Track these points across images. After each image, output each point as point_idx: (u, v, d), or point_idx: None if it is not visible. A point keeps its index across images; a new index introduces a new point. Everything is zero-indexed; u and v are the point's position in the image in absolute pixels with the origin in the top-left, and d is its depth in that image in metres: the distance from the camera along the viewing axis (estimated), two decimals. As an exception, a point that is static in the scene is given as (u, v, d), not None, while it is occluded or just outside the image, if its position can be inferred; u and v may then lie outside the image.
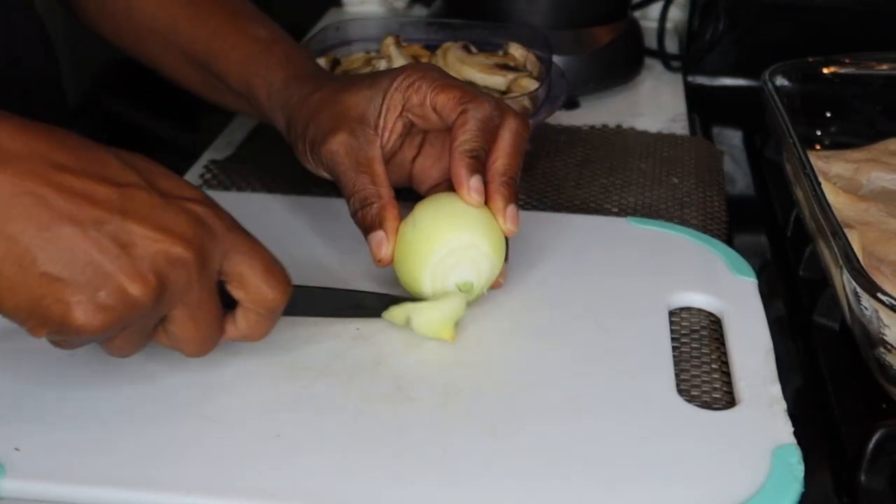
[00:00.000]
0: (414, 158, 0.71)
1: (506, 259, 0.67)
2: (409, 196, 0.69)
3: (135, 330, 0.53)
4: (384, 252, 0.64)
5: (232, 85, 0.76)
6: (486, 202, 0.65)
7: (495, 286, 0.67)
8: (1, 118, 0.50)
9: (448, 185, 0.66)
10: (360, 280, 0.69)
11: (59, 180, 0.49)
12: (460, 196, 0.64)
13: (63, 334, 0.50)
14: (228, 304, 0.56)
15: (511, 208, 0.65)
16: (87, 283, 0.49)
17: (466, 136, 0.64)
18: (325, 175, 0.68)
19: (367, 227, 0.65)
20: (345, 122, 0.67)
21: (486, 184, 0.65)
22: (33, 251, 0.48)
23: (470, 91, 0.66)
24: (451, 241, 0.63)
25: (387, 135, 0.67)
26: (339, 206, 0.68)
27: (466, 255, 0.63)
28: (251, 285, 0.55)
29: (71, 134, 0.52)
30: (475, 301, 0.66)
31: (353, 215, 0.66)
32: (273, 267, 0.56)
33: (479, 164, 0.64)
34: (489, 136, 0.65)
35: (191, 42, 0.78)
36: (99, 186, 0.50)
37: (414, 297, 0.65)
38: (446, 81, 0.66)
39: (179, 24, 0.78)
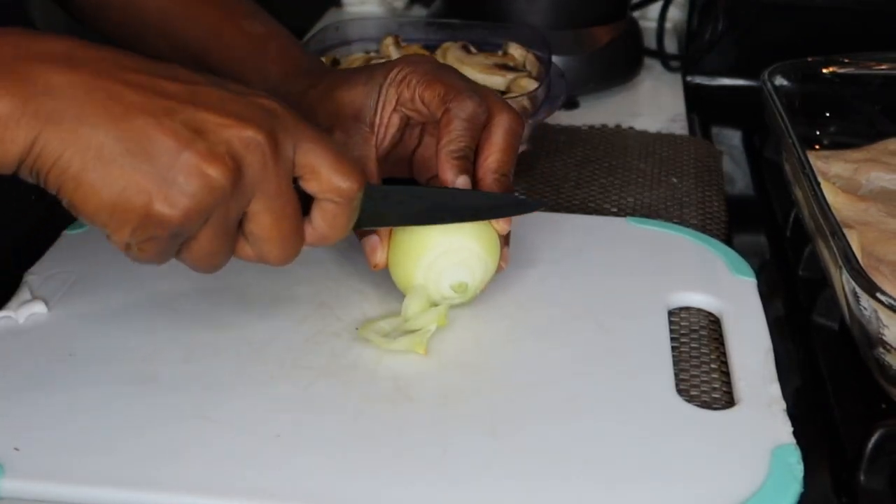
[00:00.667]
0: (415, 149, 0.71)
1: (507, 244, 0.67)
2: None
3: (216, 225, 0.52)
4: (379, 257, 0.65)
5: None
6: None
7: (498, 270, 0.67)
8: (70, 38, 0.51)
9: None
10: (360, 280, 0.69)
11: (129, 78, 0.50)
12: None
13: (146, 229, 0.50)
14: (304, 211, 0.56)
15: None
16: (165, 168, 0.49)
17: (451, 136, 0.63)
18: None
19: (360, 230, 0.65)
20: (340, 120, 0.66)
21: (478, 181, 0.64)
22: (111, 143, 0.49)
23: (455, 86, 0.65)
24: (441, 244, 0.63)
25: (383, 131, 0.67)
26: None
27: (458, 257, 0.63)
28: (323, 174, 0.55)
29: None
30: (471, 301, 0.66)
31: None
32: (344, 157, 0.56)
33: (467, 164, 0.64)
34: (476, 133, 0.64)
35: (185, 38, 0.77)
36: (167, 83, 0.51)
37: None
38: (433, 76, 0.66)
39: (173, 20, 0.78)
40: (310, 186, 0.55)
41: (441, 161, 0.63)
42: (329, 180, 0.55)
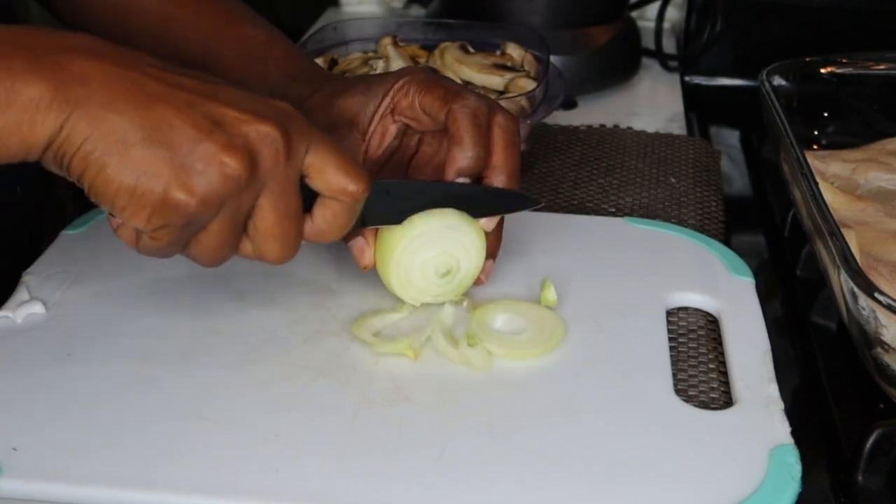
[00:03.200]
0: (411, 158, 0.71)
1: (493, 258, 0.67)
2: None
3: (227, 217, 0.54)
4: (367, 258, 0.65)
5: None
6: None
7: (477, 283, 0.67)
8: (93, 36, 0.53)
9: None
10: (357, 278, 0.69)
11: (153, 72, 0.52)
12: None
13: (162, 215, 0.52)
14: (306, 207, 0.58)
15: None
16: (185, 156, 0.51)
17: (467, 144, 0.63)
18: None
19: (347, 233, 0.65)
20: (335, 126, 0.67)
21: (484, 181, 0.65)
22: (134, 128, 0.51)
23: (453, 88, 0.66)
24: (416, 228, 0.63)
25: (377, 139, 0.67)
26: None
27: (427, 237, 0.63)
28: (331, 174, 0.56)
29: None
30: (459, 297, 0.66)
31: None
32: (352, 160, 0.57)
33: (476, 169, 0.64)
34: (483, 131, 0.64)
35: (185, 42, 0.77)
36: (188, 80, 0.53)
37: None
38: (432, 82, 0.66)
39: (174, 25, 0.78)
40: (317, 185, 0.57)
41: (446, 174, 0.64)
42: (336, 181, 0.56)
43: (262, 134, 0.53)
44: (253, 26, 0.77)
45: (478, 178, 0.65)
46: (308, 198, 0.57)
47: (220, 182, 0.52)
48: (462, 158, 0.63)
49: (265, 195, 0.54)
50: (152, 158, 0.51)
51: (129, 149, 0.51)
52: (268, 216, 0.55)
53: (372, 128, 0.67)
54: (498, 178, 0.64)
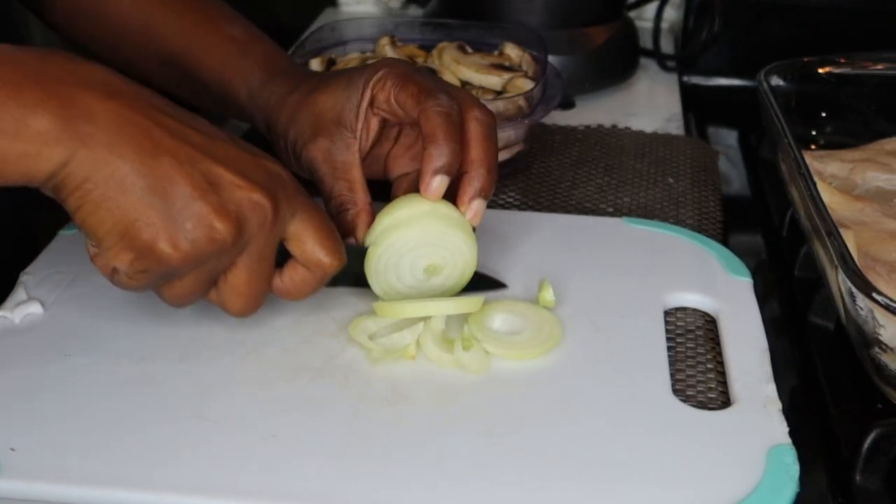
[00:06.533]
0: (391, 149, 0.71)
1: (484, 195, 0.66)
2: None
3: (204, 273, 0.55)
4: (360, 233, 0.66)
5: (209, 86, 0.76)
6: (457, 190, 0.65)
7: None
8: (107, 68, 0.54)
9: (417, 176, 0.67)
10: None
11: (160, 119, 0.54)
12: (420, 188, 0.64)
13: (144, 262, 0.53)
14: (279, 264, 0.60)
15: (477, 202, 0.65)
16: (178, 212, 0.53)
17: (441, 142, 0.63)
18: (306, 175, 0.69)
19: (343, 233, 0.66)
20: (323, 126, 0.67)
21: (462, 174, 0.65)
22: (135, 175, 0.52)
23: (427, 86, 0.66)
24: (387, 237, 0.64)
25: (365, 135, 0.67)
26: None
27: (405, 247, 0.64)
28: (309, 246, 0.58)
29: None
30: (456, 289, 0.66)
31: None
32: (332, 234, 0.59)
33: (453, 165, 0.64)
34: (456, 128, 0.64)
35: (165, 43, 0.77)
36: (192, 132, 0.54)
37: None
38: (407, 78, 0.66)
39: (154, 26, 0.78)
40: (294, 251, 0.59)
41: (424, 173, 0.64)
42: (313, 253, 0.59)
43: (253, 202, 0.54)
44: (232, 25, 0.77)
45: (457, 173, 0.65)
46: (282, 253, 0.59)
47: (205, 243, 0.53)
48: (438, 156, 0.63)
49: (244, 256, 0.56)
50: (147, 208, 0.52)
51: (128, 195, 0.52)
52: (241, 275, 0.57)
53: (360, 124, 0.67)
54: (477, 172, 0.65)
